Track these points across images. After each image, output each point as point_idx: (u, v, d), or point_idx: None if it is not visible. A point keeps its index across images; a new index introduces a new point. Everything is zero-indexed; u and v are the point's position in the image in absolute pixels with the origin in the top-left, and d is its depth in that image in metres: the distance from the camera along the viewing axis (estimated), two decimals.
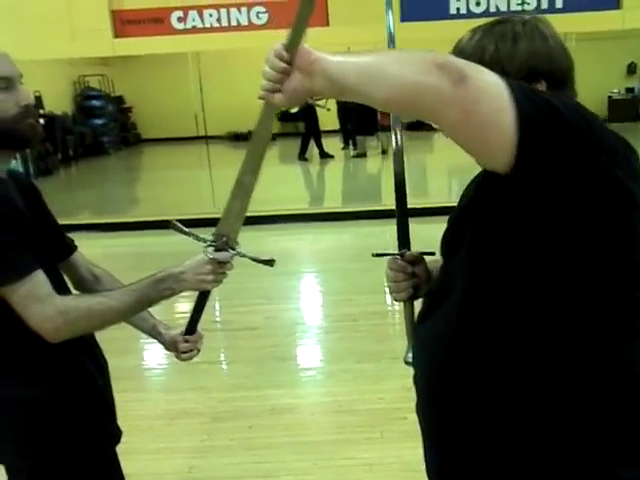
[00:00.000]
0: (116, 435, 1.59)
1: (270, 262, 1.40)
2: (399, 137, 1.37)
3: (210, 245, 1.36)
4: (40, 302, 1.30)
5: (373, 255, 1.37)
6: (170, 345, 1.61)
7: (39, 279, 1.31)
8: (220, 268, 1.38)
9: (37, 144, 1.39)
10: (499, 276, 1.04)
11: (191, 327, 1.55)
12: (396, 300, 1.39)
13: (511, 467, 1.09)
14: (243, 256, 1.37)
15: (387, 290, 1.41)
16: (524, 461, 1.08)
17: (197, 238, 1.38)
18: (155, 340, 1.65)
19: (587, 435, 1.05)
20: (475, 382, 1.09)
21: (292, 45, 1.01)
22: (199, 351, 1.60)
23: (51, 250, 1.46)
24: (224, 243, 1.35)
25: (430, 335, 1.17)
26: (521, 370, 1.05)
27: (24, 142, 1.39)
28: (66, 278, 1.57)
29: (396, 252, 1.36)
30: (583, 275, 1.00)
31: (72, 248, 1.63)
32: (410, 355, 1.32)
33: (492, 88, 0.88)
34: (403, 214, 1.38)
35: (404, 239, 1.37)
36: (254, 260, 1.39)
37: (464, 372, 1.10)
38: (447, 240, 1.21)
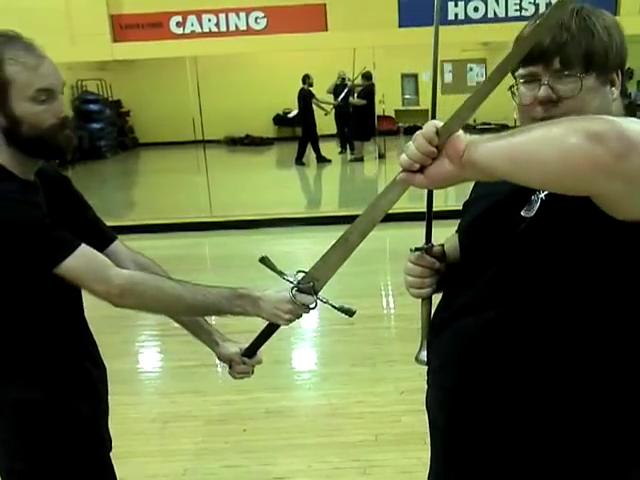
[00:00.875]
0: (109, 441, 1.59)
1: (350, 312, 1.41)
2: None
3: (297, 286, 1.34)
4: (105, 269, 1.32)
5: (411, 250, 1.33)
6: (225, 360, 1.58)
7: (92, 250, 1.33)
8: (299, 310, 1.37)
9: (70, 154, 1.41)
10: (569, 297, 1.04)
11: (252, 350, 1.53)
12: (416, 297, 1.34)
13: (522, 466, 1.11)
14: (326, 303, 1.36)
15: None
16: (537, 461, 1.10)
17: (285, 277, 1.37)
18: (196, 340, 1.61)
19: (602, 438, 1.07)
20: (507, 385, 1.10)
21: (446, 131, 0.96)
22: (253, 372, 1.58)
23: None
24: (310, 287, 1.33)
25: (463, 335, 1.16)
26: (551, 379, 1.07)
27: (58, 152, 1.40)
28: None
29: (425, 246, 1.32)
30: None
31: (109, 239, 1.59)
32: (424, 354, 1.29)
33: None
34: (429, 210, 1.33)
35: (428, 234, 1.33)
36: (335, 308, 1.38)
37: (497, 377, 1.11)
38: (482, 249, 1.17)
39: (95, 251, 1.35)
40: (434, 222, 1.32)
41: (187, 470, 2.75)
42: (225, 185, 9.36)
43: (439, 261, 1.31)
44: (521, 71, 1.09)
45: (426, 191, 1.31)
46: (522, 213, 1.08)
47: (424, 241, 1.32)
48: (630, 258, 0.99)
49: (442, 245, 1.34)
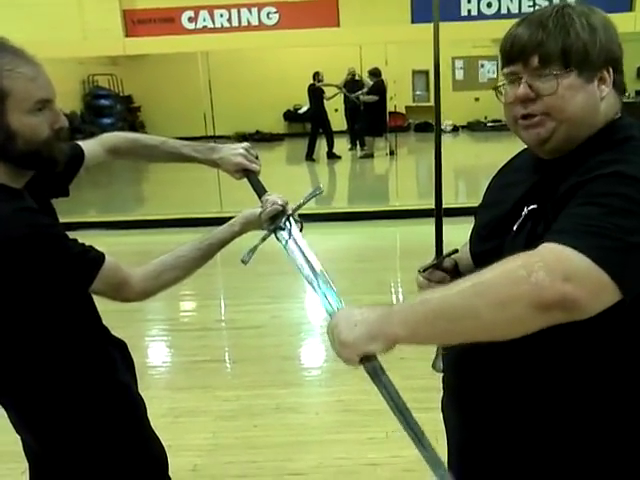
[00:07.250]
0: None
1: (318, 190, 1.55)
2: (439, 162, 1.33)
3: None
4: (126, 281, 1.34)
5: (419, 271, 1.31)
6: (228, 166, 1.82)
7: (112, 260, 1.33)
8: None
9: (61, 167, 1.35)
10: None
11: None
12: None
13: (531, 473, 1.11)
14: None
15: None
16: (547, 468, 1.10)
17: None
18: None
19: (609, 458, 1.06)
20: (510, 389, 1.10)
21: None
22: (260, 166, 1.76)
23: None
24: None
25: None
26: (560, 387, 1.07)
27: (51, 165, 1.31)
28: None
29: (434, 262, 1.32)
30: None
31: (80, 156, 1.64)
32: (440, 363, 1.31)
33: (596, 285, 0.85)
34: (440, 223, 1.34)
35: (438, 249, 1.33)
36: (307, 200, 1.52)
37: (501, 376, 1.11)
38: (489, 252, 1.16)
39: (113, 259, 1.33)
40: (451, 219, 1.31)
41: (197, 465, 2.76)
42: (236, 181, 9.36)
43: (450, 275, 1.31)
44: (505, 70, 1.10)
45: (435, 206, 1.31)
46: (514, 227, 1.09)
47: (434, 255, 1.32)
48: None
49: (453, 251, 1.34)
